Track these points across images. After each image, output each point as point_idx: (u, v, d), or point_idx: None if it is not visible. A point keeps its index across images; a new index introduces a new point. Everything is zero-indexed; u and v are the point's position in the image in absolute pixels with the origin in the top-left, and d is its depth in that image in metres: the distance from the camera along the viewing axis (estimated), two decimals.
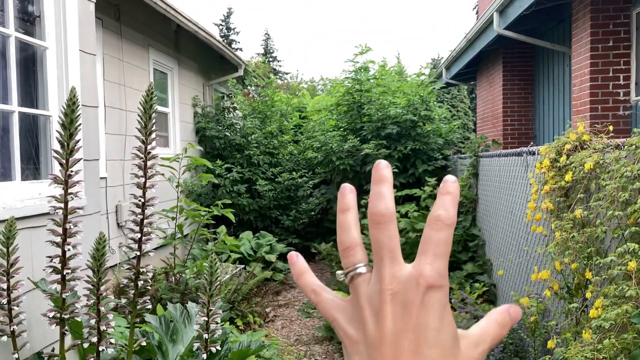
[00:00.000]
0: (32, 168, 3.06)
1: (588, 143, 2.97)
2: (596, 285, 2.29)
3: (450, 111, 9.54)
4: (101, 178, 5.66)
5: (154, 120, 2.49)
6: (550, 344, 2.21)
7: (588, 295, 2.28)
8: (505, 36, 7.03)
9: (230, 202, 5.89)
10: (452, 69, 10.44)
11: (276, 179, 8.96)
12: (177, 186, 5.00)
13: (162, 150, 7.24)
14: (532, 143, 4.40)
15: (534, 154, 3.97)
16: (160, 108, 7.35)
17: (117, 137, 6.02)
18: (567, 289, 2.77)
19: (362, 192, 7.93)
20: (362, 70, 8.49)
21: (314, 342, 5.38)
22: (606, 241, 2.65)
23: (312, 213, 9.18)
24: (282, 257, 8.37)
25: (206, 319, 2.46)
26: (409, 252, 5.90)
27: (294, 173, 8.99)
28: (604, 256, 2.45)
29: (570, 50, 6.21)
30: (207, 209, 5.09)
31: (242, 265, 6.85)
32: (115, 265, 5.53)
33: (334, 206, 8.35)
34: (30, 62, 3.05)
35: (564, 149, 3.11)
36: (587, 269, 2.46)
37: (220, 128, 8.73)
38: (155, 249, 6.25)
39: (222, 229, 7.12)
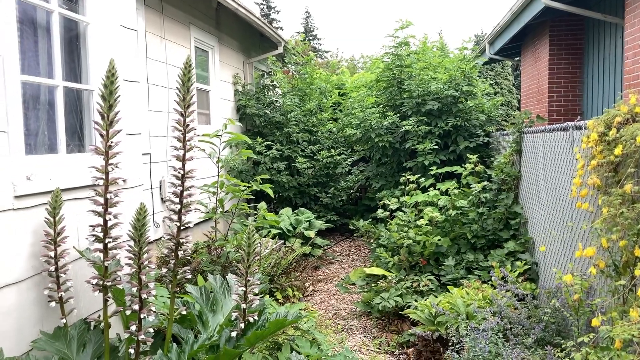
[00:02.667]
0: (77, 141, 3.15)
1: None
2: None
3: (493, 88, 9.27)
4: (145, 154, 5.80)
5: (192, 94, 2.51)
6: (595, 321, 2.14)
7: (637, 272, 2.18)
8: (553, 8, 6.73)
9: (269, 177, 5.92)
10: (496, 44, 10.11)
11: (315, 157, 8.96)
12: (217, 161, 5.06)
13: (204, 127, 7.34)
14: (578, 118, 4.22)
15: (580, 128, 3.81)
16: (201, 86, 7.43)
17: (161, 114, 6.12)
18: (614, 267, 2.67)
19: (401, 169, 7.86)
20: (403, 45, 8.32)
21: (352, 317, 5.41)
22: None
23: (351, 191, 9.15)
24: (321, 233, 8.40)
25: (244, 289, 2.50)
26: (449, 229, 5.82)
27: (332, 150, 8.97)
28: None
29: (623, 21, 5.90)
30: (246, 184, 5.15)
31: (282, 241, 6.92)
32: (160, 238, 5.68)
33: (373, 183, 8.31)
34: (73, 37, 3.12)
35: (613, 122, 2.97)
36: (636, 246, 2.36)
37: (260, 106, 8.76)
38: (197, 223, 6.38)
39: (262, 205, 7.19)
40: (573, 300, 2.95)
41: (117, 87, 2.16)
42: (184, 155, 2.49)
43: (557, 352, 2.76)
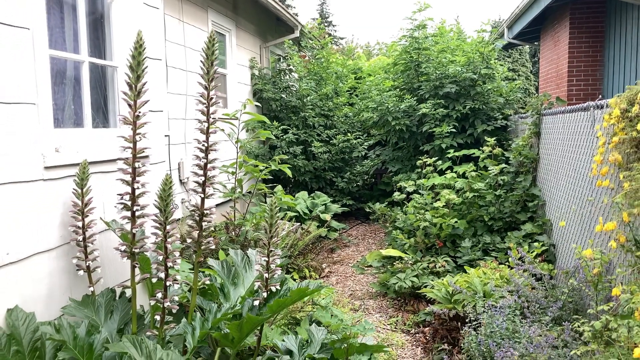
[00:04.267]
0: (101, 117, 3.21)
1: None
2: None
3: (511, 74, 9.17)
4: (165, 136, 5.87)
5: (215, 68, 2.54)
6: (616, 290, 2.15)
7: None
8: None
9: (287, 158, 5.96)
10: (515, 28, 10.00)
11: (331, 141, 8.98)
12: (236, 142, 5.11)
13: (221, 110, 7.39)
14: (600, 97, 4.19)
15: (602, 107, 3.79)
16: (218, 69, 7.47)
17: (179, 97, 6.18)
18: (634, 242, 2.67)
19: (418, 152, 7.85)
20: (420, 28, 8.27)
21: (368, 297, 5.46)
22: None
23: (366, 176, 9.17)
24: (337, 217, 8.44)
25: (266, 259, 2.55)
26: (466, 211, 5.83)
27: (348, 135, 8.98)
28: None
29: None
30: (264, 164, 5.19)
31: (298, 223, 6.98)
32: (179, 219, 5.77)
33: (389, 167, 8.31)
34: (97, 14, 3.16)
35: (636, 98, 2.95)
36: None
37: (276, 90, 8.79)
38: (216, 205, 6.46)
39: (279, 188, 7.25)
40: (592, 274, 2.96)
41: (145, 58, 2.21)
42: (208, 127, 2.53)
43: (575, 325, 2.77)
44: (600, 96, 7.20)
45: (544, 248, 4.68)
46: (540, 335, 3.27)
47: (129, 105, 2.25)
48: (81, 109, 2.96)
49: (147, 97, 2.35)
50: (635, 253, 2.52)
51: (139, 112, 2.26)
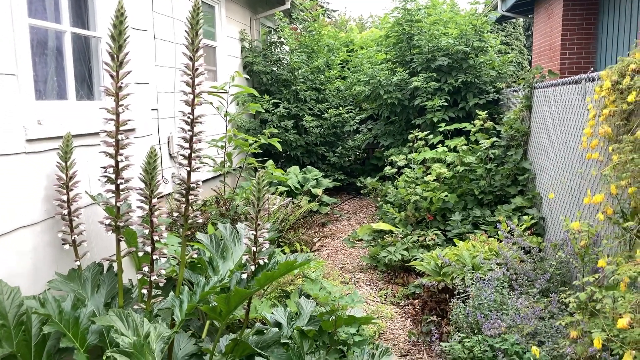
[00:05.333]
0: (86, 89, 3.15)
1: None
2: None
3: (504, 47, 9.09)
4: (153, 109, 5.79)
5: (200, 37, 2.48)
6: (601, 262, 2.16)
7: None
8: None
9: (277, 131, 5.91)
10: (508, 0, 9.88)
11: (322, 115, 8.91)
12: (225, 115, 5.05)
13: (211, 84, 7.29)
14: (592, 70, 4.16)
15: (593, 80, 3.76)
16: (208, 42, 7.35)
17: (168, 69, 6.08)
18: (621, 214, 2.68)
19: (410, 126, 7.82)
20: (413, 0, 8.15)
21: (359, 270, 5.49)
22: None
23: (358, 150, 9.13)
24: (328, 192, 8.44)
25: (254, 233, 2.53)
26: (456, 185, 5.83)
27: (340, 109, 8.91)
28: None
29: None
30: (254, 138, 5.15)
31: (289, 198, 6.97)
32: (169, 194, 5.73)
33: (381, 142, 8.28)
34: None
35: (628, 69, 2.92)
36: None
37: (267, 63, 8.67)
38: (206, 180, 6.42)
39: (270, 162, 7.21)
40: (580, 247, 2.97)
41: (127, 27, 2.15)
42: (193, 99, 2.49)
43: (562, 297, 2.80)
44: (592, 69, 7.17)
45: (533, 221, 4.70)
46: (528, 307, 3.30)
47: (111, 76, 2.20)
48: (64, 81, 2.89)
49: (130, 68, 2.29)
50: (622, 225, 2.52)
51: (122, 83, 2.21)
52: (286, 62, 9.06)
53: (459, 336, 3.30)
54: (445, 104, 7.38)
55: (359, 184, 8.11)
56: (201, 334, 2.99)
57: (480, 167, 5.69)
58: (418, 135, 6.90)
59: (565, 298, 2.72)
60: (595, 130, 3.24)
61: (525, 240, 4.14)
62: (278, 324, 2.91)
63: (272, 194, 6.82)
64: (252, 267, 2.56)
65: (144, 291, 2.47)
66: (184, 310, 2.39)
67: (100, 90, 2.74)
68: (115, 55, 2.16)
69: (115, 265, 2.76)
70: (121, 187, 2.29)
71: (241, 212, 4.83)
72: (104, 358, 2.09)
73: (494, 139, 5.82)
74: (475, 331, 3.37)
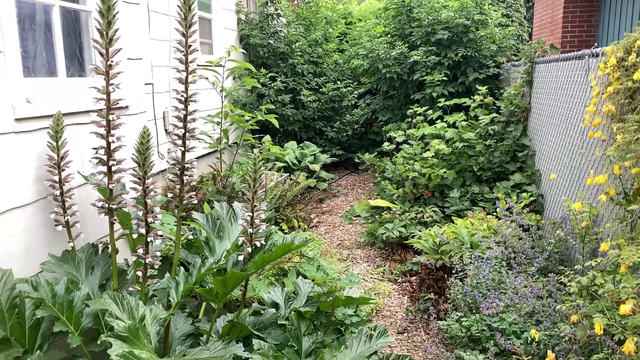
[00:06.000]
0: (77, 66, 3.06)
1: None
2: None
3: (505, 19, 8.90)
4: (147, 84, 5.68)
5: (194, 12, 2.40)
6: (604, 246, 2.13)
7: None
8: None
9: (274, 107, 5.82)
10: None
11: (320, 90, 8.79)
12: (221, 90, 4.96)
13: (207, 57, 7.15)
14: (595, 44, 4.07)
15: (597, 56, 3.68)
16: (203, 14, 7.18)
17: (163, 43, 5.95)
18: (624, 195, 2.64)
19: (409, 101, 7.72)
20: None
21: (356, 247, 5.48)
22: None
23: (356, 125, 9.04)
24: (326, 167, 8.38)
25: (250, 214, 2.49)
26: (455, 162, 5.78)
27: (338, 83, 8.78)
28: None
29: None
30: (251, 114, 5.06)
31: (287, 174, 6.92)
32: (165, 170, 5.67)
33: (379, 117, 8.19)
34: None
35: (634, 46, 2.84)
36: None
37: (263, 36, 8.51)
38: (202, 156, 6.35)
39: (267, 138, 7.14)
40: (580, 227, 2.94)
41: (115, 2, 2.06)
42: (187, 77, 2.41)
43: (561, 278, 2.78)
44: (595, 44, 7.04)
45: (532, 199, 4.67)
46: (526, 287, 3.29)
47: (101, 54, 2.12)
48: (54, 57, 2.81)
49: (120, 45, 2.21)
50: (626, 207, 2.48)
51: (112, 61, 2.13)
52: (283, 34, 8.89)
53: (457, 315, 3.30)
54: (445, 78, 7.27)
55: (356, 160, 8.05)
56: (198, 314, 2.97)
57: (479, 143, 5.63)
58: (417, 111, 6.82)
59: (564, 278, 2.70)
60: (598, 108, 3.17)
61: (524, 218, 4.11)
62: (275, 305, 2.90)
63: (270, 169, 6.77)
64: (249, 249, 2.52)
65: (139, 273, 2.43)
66: (180, 292, 2.36)
67: (91, 68, 2.65)
68: (104, 32, 2.08)
69: (110, 246, 2.73)
70: (113, 168, 2.23)
71: (238, 189, 4.78)
72: (98, 342, 2.06)
73: (494, 114, 5.74)
74: (473, 310, 3.36)
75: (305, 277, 3.59)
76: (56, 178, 2.47)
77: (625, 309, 1.68)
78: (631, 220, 2.50)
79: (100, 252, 2.65)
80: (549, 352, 2.17)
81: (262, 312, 2.84)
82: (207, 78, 4.75)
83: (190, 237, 2.67)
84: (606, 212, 3.07)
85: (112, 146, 2.21)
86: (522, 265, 3.69)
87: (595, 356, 1.98)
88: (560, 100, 4.47)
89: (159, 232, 2.45)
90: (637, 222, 2.43)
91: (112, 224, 2.33)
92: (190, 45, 2.38)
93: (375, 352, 2.51)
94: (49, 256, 2.48)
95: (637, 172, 2.47)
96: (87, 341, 2.30)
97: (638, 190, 2.52)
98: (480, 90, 6.15)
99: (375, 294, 4.34)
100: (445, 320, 3.35)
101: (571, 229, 3.23)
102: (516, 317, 3.05)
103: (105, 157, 2.21)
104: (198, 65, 2.49)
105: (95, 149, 2.23)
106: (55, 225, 2.53)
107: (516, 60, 6.99)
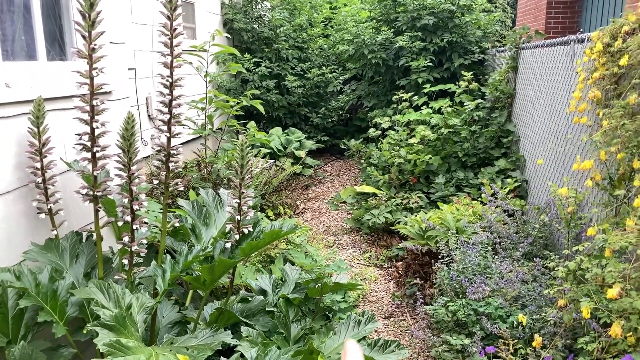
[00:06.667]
0: (58, 49, 2.98)
1: None
2: None
3: (489, 3, 8.89)
4: (130, 69, 5.58)
5: None
6: (591, 231, 2.15)
7: (636, 183, 2.17)
8: None
9: (258, 92, 5.77)
10: None
11: (305, 75, 8.73)
12: (205, 76, 4.89)
13: (190, 42, 7.05)
14: (580, 30, 4.08)
15: (582, 41, 3.69)
16: None
17: (145, 27, 5.84)
18: (609, 180, 2.66)
19: (394, 87, 7.70)
20: None
21: (342, 233, 5.48)
22: None
23: (342, 111, 9.01)
24: (311, 153, 8.36)
25: (238, 201, 2.46)
26: (440, 148, 5.80)
27: (323, 68, 8.73)
28: None
29: None
30: (236, 100, 5.01)
31: (272, 160, 6.88)
32: (149, 156, 5.60)
33: (365, 103, 8.17)
34: None
35: (620, 31, 2.85)
36: (635, 158, 2.33)
37: (247, 20, 8.40)
38: (187, 142, 6.28)
39: (252, 124, 7.08)
40: (567, 212, 2.97)
41: None
42: (172, 62, 2.36)
43: (546, 262, 2.81)
44: (581, 30, 7.07)
45: (516, 184, 4.71)
46: (511, 271, 3.32)
47: (84, 37, 2.06)
48: (33, 41, 2.72)
49: (103, 28, 2.15)
50: (611, 192, 2.51)
51: (95, 45, 2.07)
52: (267, 19, 8.79)
53: (443, 300, 3.32)
54: (430, 64, 7.26)
55: (342, 146, 8.04)
56: (185, 302, 2.95)
57: (464, 129, 5.65)
58: (402, 97, 6.81)
59: (550, 263, 2.73)
60: (584, 94, 3.19)
61: (508, 203, 4.14)
62: (263, 292, 2.88)
63: (255, 156, 6.72)
64: (237, 236, 2.50)
65: (125, 261, 2.40)
66: (166, 279, 2.33)
67: (72, 52, 2.59)
68: (86, 14, 2.01)
69: (95, 235, 2.68)
70: (98, 155, 2.18)
71: (223, 175, 4.74)
72: (84, 331, 2.03)
73: (479, 100, 5.76)
74: (459, 295, 3.39)
75: (292, 263, 3.59)
76: (38, 165, 2.41)
77: (612, 292, 1.70)
78: (616, 205, 2.53)
79: (84, 240, 2.60)
80: (536, 335, 2.19)
81: (249, 299, 2.82)
82: (191, 63, 4.68)
83: (177, 224, 2.64)
84: (592, 198, 3.10)
85: (96, 132, 2.16)
86: (507, 250, 3.72)
87: (581, 339, 2.01)
88: (545, 86, 4.49)
89: (145, 220, 2.41)
90: (621, 207, 2.46)
91: (97, 211, 2.28)
92: (175, 29, 2.32)
93: (364, 338, 2.52)
94: (32, 245, 2.43)
95: (623, 158, 2.50)
96: (73, 331, 2.27)
97: (623, 176, 2.55)
98: (465, 76, 6.16)
99: (361, 280, 4.35)
100: (432, 305, 3.38)
101: (556, 214, 3.26)
102: (502, 301, 3.08)
103: (89, 144, 2.16)
104: (182, 52, 2.43)
105: (78, 135, 2.17)
106: (38, 213, 2.48)
107: (501, 46, 7.01)
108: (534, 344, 2.21)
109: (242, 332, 2.36)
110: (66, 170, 2.70)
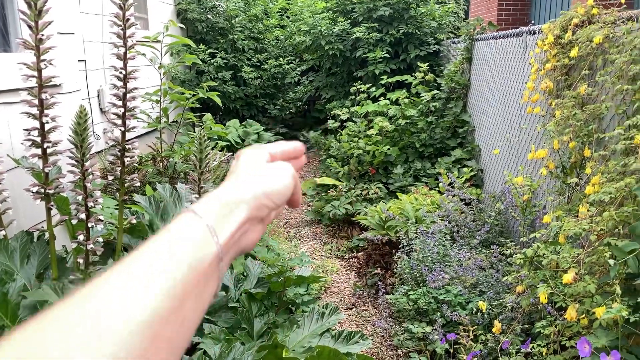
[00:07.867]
0: (1, 40, 2.83)
1: (597, 17, 2.80)
2: (595, 162, 2.26)
3: None
4: (81, 61, 5.37)
5: None
6: (547, 218, 2.22)
7: (587, 171, 2.25)
8: None
9: (215, 83, 5.67)
10: None
11: (262, 66, 8.64)
12: (159, 67, 4.76)
13: (142, 32, 6.84)
14: (531, 22, 4.19)
15: (534, 33, 3.79)
16: None
17: (95, 17, 5.63)
18: (562, 168, 2.75)
19: (352, 79, 7.72)
20: None
21: (303, 225, 5.48)
22: (606, 119, 2.59)
23: (300, 103, 8.98)
24: None
25: (197, 196, 2.41)
26: (398, 139, 5.86)
27: (280, 59, 8.66)
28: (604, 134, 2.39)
29: None
30: (191, 92, 4.90)
31: (230, 153, 6.79)
32: (101, 151, 5.42)
33: (323, 94, 8.17)
34: None
35: (570, 24, 2.94)
36: (585, 147, 2.42)
37: (202, 10, 8.23)
38: (141, 135, 6.12)
39: (208, 116, 6.96)
40: (522, 201, 3.05)
41: None
42: (126, 53, 2.28)
43: (503, 249, 2.88)
44: (532, 22, 7.26)
45: (472, 173, 4.81)
46: (470, 259, 3.40)
47: (30, 27, 1.96)
48: None
49: (51, 17, 2.05)
50: (564, 180, 2.59)
51: (42, 35, 1.97)
52: (222, 9, 8.64)
53: (404, 289, 3.37)
54: (387, 55, 7.31)
55: (301, 138, 8.01)
56: None
57: (421, 120, 5.72)
58: (360, 88, 6.84)
59: (507, 250, 2.80)
60: (537, 85, 3.27)
61: (465, 192, 4.23)
62: (225, 287, 2.84)
63: (212, 149, 6.61)
64: None
65: (80, 260, 2.31)
66: None
67: (17, 43, 2.47)
68: (32, 3, 1.91)
69: (46, 233, 2.57)
70: (48, 151, 2.09)
71: (180, 169, 4.64)
72: None
73: (435, 91, 5.84)
74: (420, 283, 3.44)
75: (254, 258, 3.55)
76: None
77: (567, 277, 1.76)
78: (569, 193, 2.61)
79: (36, 240, 2.49)
80: (496, 321, 2.25)
81: None
82: (144, 54, 4.55)
83: (134, 221, 2.56)
84: (544, 186, 3.20)
85: (47, 127, 2.06)
86: (465, 238, 3.80)
87: (538, 323, 2.07)
88: (499, 77, 4.60)
89: (100, 217, 2.33)
90: (574, 194, 2.54)
91: (49, 209, 2.19)
92: (128, 19, 2.24)
93: (328, 330, 2.52)
94: None
95: (574, 146, 2.58)
96: None
97: (575, 164, 2.64)
98: (421, 67, 6.23)
99: (323, 272, 4.36)
100: (393, 295, 3.42)
101: (512, 202, 3.35)
102: (461, 288, 3.14)
103: (39, 139, 2.06)
104: (135, 42, 2.35)
105: (27, 130, 2.07)
106: None
107: (455, 38, 7.12)
108: (493, 329, 2.27)
109: (204, 329, 2.32)
110: (14, 167, 2.58)
